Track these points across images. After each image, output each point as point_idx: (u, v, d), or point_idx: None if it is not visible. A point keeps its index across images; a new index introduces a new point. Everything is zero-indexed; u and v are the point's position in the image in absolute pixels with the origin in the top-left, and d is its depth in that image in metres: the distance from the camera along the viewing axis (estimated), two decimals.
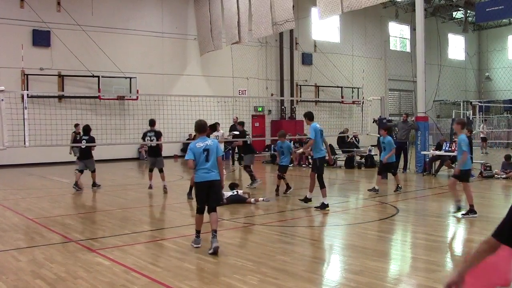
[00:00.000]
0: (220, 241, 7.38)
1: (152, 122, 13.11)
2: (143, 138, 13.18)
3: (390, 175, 13.51)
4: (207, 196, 6.91)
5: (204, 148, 6.88)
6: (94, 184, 13.74)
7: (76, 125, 16.34)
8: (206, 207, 6.97)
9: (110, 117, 20.22)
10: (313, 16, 29.57)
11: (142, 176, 18.79)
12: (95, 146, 13.70)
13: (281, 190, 12.04)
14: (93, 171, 13.68)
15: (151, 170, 13.17)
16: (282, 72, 29.78)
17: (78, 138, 15.04)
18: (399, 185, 12.46)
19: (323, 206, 9.90)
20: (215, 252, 6.54)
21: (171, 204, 11.49)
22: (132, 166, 21.89)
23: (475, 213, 8.97)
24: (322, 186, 10.09)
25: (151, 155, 13.20)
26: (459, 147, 9.07)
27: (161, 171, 12.98)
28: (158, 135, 13.00)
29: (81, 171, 13.53)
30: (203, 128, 7.19)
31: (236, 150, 18.20)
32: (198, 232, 7.08)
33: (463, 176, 9.19)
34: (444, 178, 15.18)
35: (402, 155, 16.62)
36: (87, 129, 13.53)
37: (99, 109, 22.16)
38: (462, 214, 9.05)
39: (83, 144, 13.34)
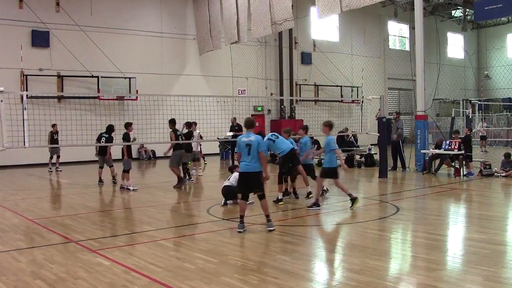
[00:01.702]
0: (220, 241, 7.39)
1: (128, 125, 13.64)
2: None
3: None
4: (248, 185, 7.95)
5: (247, 143, 7.86)
6: (114, 179, 14.51)
7: (54, 125, 18.34)
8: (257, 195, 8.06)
9: (110, 117, 20.18)
10: (312, 16, 29.59)
11: (142, 176, 18.80)
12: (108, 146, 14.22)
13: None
14: (111, 166, 14.47)
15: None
16: (282, 71, 29.77)
17: (55, 138, 18.12)
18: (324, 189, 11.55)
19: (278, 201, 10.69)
20: (271, 230, 7.79)
21: (171, 204, 11.49)
22: (132, 166, 21.84)
23: (319, 206, 9.91)
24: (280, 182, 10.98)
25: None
26: (327, 146, 9.74)
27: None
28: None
29: (101, 167, 14.55)
30: (250, 124, 8.19)
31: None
32: (241, 217, 7.92)
33: (331, 173, 9.92)
34: (444, 176, 15.19)
35: (397, 155, 16.93)
36: (110, 128, 14.23)
37: (99, 109, 22.14)
38: (308, 207, 9.94)
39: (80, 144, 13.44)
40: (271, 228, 7.86)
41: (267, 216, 7.96)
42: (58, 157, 19.05)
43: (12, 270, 6.12)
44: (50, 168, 19.14)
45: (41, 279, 5.71)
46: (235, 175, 10.53)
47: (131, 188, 13.29)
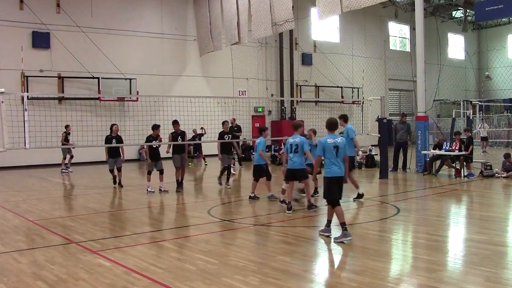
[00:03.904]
0: (221, 242, 7.39)
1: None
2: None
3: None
4: (340, 189, 7.38)
5: (334, 145, 7.34)
6: (119, 183, 14.34)
7: (67, 126, 18.41)
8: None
9: (110, 118, 20.19)
10: (313, 16, 29.61)
11: (142, 177, 18.79)
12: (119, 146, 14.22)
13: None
14: (119, 170, 14.34)
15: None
16: (282, 72, 29.78)
17: (68, 138, 18.01)
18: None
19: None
20: (342, 241, 7.06)
21: (172, 205, 11.48)
22: (132, 167, 21.87)
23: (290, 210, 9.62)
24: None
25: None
26: (302, 148, 9.63)
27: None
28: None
29: (111, 170, 14.36)
30: (334, 126, 7.68)
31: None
32: (343, 223, 7.29)
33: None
34: (444, 177, 15.18)
35: (401, 154, 16.85)
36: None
37: (99, 110, 22.17)
38: (280, 201, 10.32)
39: (80, 145, 13.37)
40: (345, 239, 7.08)
41: (343, 223, 7.23)
42: (72, 157, 19.19)
43: (13, 271, 6.12)
44: (63, 169, 18.97)
45: (42, 280, 5.71)
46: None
47: (148, 189, 13.10)
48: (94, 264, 6.34)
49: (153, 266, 6.19)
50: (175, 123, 13.23)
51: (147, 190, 13.05)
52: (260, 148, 11.02)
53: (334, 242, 7.16)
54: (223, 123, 14.24)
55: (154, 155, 13.23)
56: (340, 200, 7.41)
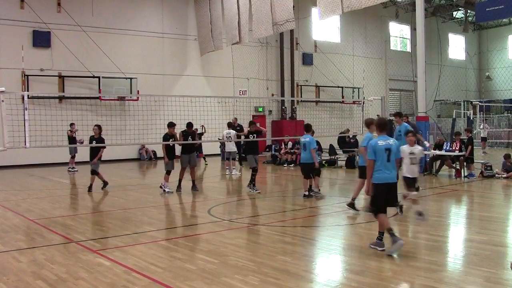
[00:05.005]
0: (221, 241, 7.38)
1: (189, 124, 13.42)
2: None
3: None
4: (388, 198, 6.70)
5: (386, 147, 6.67)
6: (90, 186, 13.47)
7: (72, 124, 18.05)
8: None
9: (111, 117, 20.19)
10: (314, 16, 29.56)
11: (142, 176, 18.81)
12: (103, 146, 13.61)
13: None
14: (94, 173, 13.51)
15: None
16: (283, 72, 29.76)
17: (74, 137, 17.49)
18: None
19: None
20: (393, 251, 6.43)
21: (172, 205, 11.49)
22: (133, 166, 21.89)
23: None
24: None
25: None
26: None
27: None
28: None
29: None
30: (385, 126, 6.97)
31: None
32: (381, 233, 6.71)
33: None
34: (445, 178, 15.18)
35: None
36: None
37: (100, 109, 22.15)
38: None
39: (83, 145, 13.31)
40: (393, 247, 6.46)
41: (390, 229, 6.58)
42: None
43: (13, 270, 6.12)
44: (70, 168, 18.89)
45: (42, 280, 5.72)
46: None
47: (166, 189, 12.85)
48: (94, 263, 6.34)
49: (153, 265, 6.19)
50: (189, 125, 13.23)
51: (164, 190, 12.81)
52: (312, 147, 11.33)
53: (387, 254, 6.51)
54: (251, 123, 13.59)
55: (172, 154, 13.08)
56: (393, 207, 6.72)
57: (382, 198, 6.68)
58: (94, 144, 13.23)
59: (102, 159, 13.71)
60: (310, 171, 11.31)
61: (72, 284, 5.55)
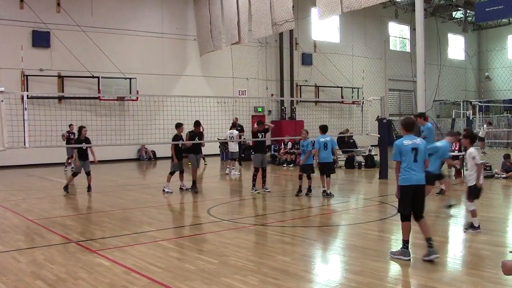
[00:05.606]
0: (220, 242, 7.38)
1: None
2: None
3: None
4: (413, 201, 6.32)
5: (412, 147, 6.31)
6: (89, 187, 13.38)
7: (70, 125, 17.84)
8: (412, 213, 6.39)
9: (110, 118, 20.20)
10: (313, 16, 29.57)
11: (142, 176, 18.81)
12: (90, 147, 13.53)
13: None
14: (87, 174, 13.38)
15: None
16: (282, 72, 29.77)
17: (72, 137, 17.14)
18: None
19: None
20: (431, 260, 6.10)
21: (172, 205, 11.48)
22: (132, 167, 21.88)
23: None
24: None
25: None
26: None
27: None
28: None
29: (74, 174, 13.33)
30: (411, 126, 6.62)
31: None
32: (406, 242, 6.30)
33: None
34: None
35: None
36: (79, 129, 13.44)
37: (99, 110, 22.15)
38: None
39: (83, 145, 13.24)
40: (432, 256, 6.12)
41: (429, 239, 6.22)
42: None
43: (12, 270, 6.12)
44: (67, 167, 18.75)
45: (41, 280, 5.71)
46: None
47: (166, 189, 12.87)
48: (94, 263, 6.34)
49: (153, 265, 6.19)
50: (197, 124, 13.20)
51: (164, 190, 12.85)
52: (335, 146, 12.11)
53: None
54: (259, 122, 13.41)
55: (180, 155, 13.06)
56: (421, 213, 6.33)
57: (408, 203, 6.33)
58: (84, 145, 13.14)
59: (101, 159, 13.72)
60: (330, 170, 11.59)
61: (71, 284, 5.54)
